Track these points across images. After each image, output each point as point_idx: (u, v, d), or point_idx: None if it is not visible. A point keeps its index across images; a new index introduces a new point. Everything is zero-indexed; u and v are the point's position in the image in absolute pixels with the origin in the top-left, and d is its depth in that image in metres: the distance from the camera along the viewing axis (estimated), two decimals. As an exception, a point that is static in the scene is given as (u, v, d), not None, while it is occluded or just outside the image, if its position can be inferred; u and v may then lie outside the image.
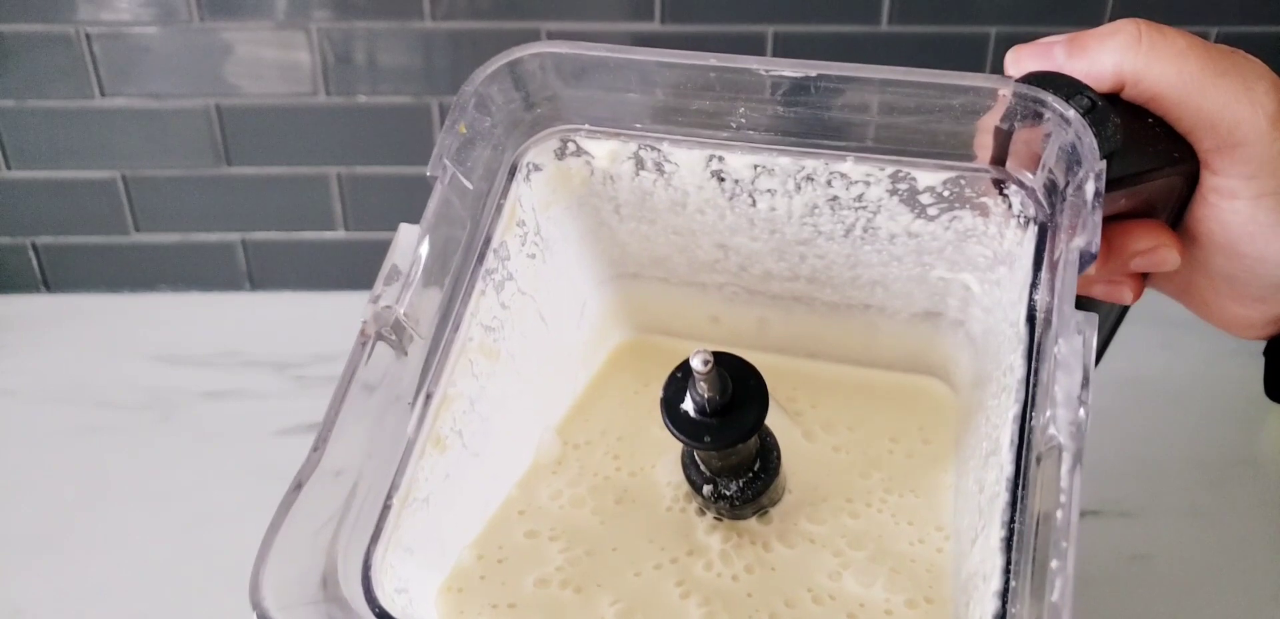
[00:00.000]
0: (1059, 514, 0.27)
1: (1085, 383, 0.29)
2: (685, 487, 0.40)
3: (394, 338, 0.34)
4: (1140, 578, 0.60)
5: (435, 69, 0.70)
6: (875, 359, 0.45)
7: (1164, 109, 0.36)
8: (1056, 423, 0.28)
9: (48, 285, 0.80)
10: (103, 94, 0.71)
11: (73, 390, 0.73)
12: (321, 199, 0.76)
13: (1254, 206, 0.36)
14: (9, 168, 0.74)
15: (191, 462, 0.68)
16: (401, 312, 0.34)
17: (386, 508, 0.34)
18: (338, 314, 0.77)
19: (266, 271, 0.80)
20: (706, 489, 0.38)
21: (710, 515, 0.39)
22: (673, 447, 0.40)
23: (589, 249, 0.44)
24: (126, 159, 0.74)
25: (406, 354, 0.35)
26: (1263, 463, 0.66)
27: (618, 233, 0.43)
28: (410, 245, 0.35)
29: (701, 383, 0.35)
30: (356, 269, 0.79)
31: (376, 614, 0.31)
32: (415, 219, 0.36)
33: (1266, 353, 0.42)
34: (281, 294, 0.80)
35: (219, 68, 0.70)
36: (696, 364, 0.34)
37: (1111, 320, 0.45)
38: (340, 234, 0.78)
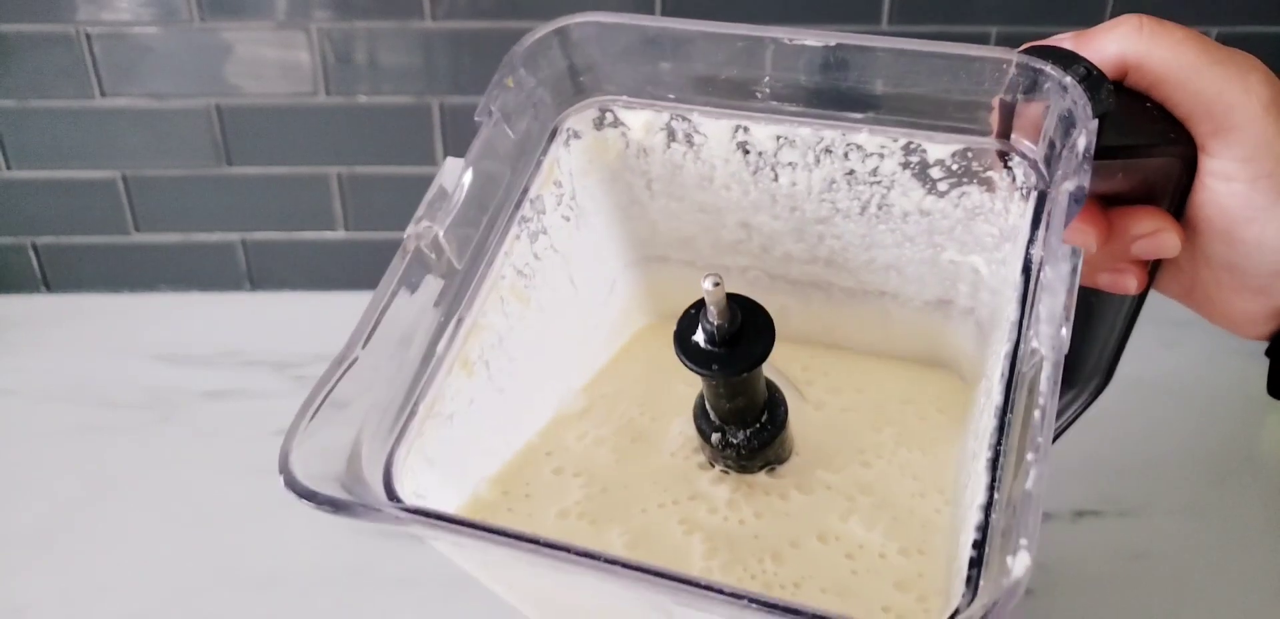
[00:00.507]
0: (1037, 415, 0.28)
1: (1069, 304, 0.30)
2: (695, 439, 0.40)
3: (433, 256, 0.36)
4: (1141, 577, 0.60)
5: (435, 69, 0.70)
6: (890, 351, 0.46)
7: (1163, 94, 0.37)
8: (1039, 337, 0.30)
9: (48, 285, 0.80)
10: (103, 94, 0.71)
11: (73, 390, 0.73)
12: (321, 199, 0.76)
13: (1251, 189, 0.37)
14: (9, 168, 0.74)
15: (191, 461, 0.68)
16: (441, 232, 0.36)
17: (412, 413, 0.35)
18: (338, 314, 0.76)
19: (266, 271, 0.80)
20: (714, 438, 0.39)
21: (718, 468, 0.40)
22: (692, 403, 0.41)
23: (620, 226, 0.45)
24: (127, 159, 0.74)
25: (443, 275, 0.36)
26: (1264, 462, 0.67)
27: (649, 210, 0.45)
28: (454, 173, 0.37)
29: (711, 308, 0.36)
30: (357, 269, 0.79)
31: (396, 503, 0.32)
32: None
33: (1269, 352, 0.42)
34: (281, 294, 0.80)
35: (219, 68, 0.70)
36: (707, 286, 0.35)
37: (1125, 319, 0.45)
38: (340, 234, 0.78)
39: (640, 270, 0.47)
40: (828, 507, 0.39)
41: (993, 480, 0.30)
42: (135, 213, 0.76)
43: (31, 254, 0.78)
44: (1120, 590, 0.59)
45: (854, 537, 0.38)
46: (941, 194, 0.39)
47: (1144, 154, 0.38)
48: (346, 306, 0.76)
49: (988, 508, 0.30)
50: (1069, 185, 0.32)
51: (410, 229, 0.35)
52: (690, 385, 0.37)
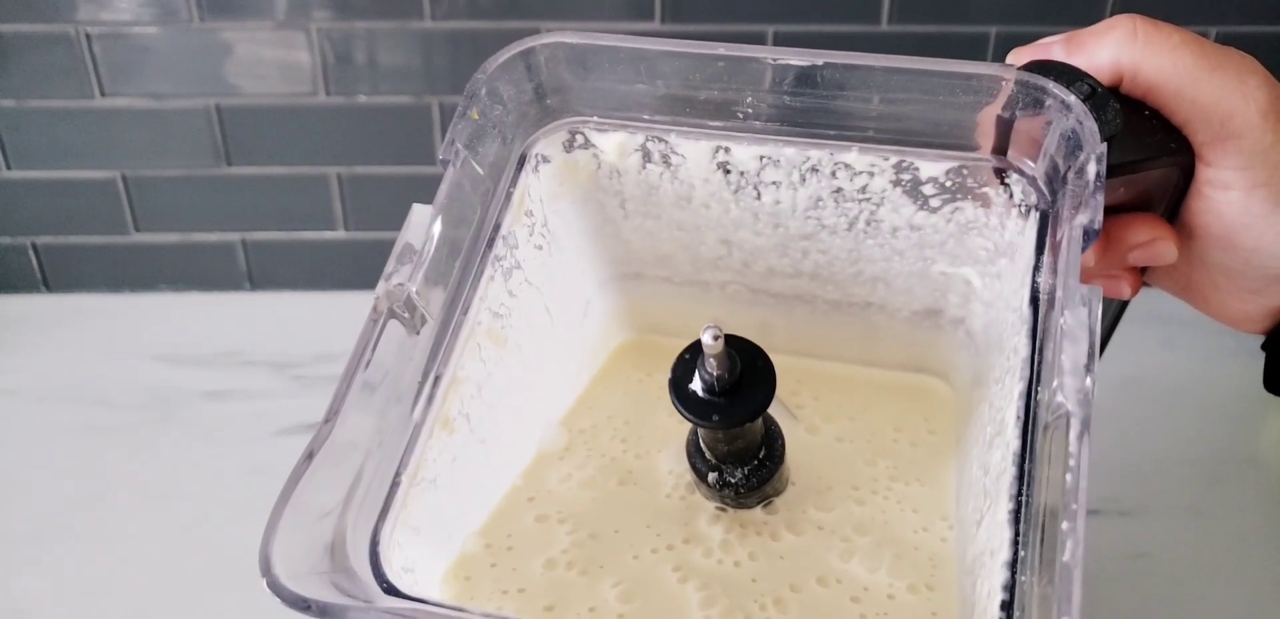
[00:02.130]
0: (1068, 478, 0.27)
1: (1092, 352, 0.29)
2: (686, 476, 0.40)
3: (406, 315, 0.34)
4: (1140, 576, 0.60)
5: (435, 69, 0.70)
6: (876, 361, 0.46)
7: (1160, 101, 0.37)
8: (1064, 391, 0.28)
9: (48, 285, 0.80)
10: (103, 94, 0.71)
11: (73, 390, 0.73)
12: (321, 199, 0.76)
13: (1248, 197, 0.37)
14: (9, 168, 0.74)
15: (191, 462, 0.68)
16: (414, 289, 0.34)
17: (395, 485, 0.34)
18: (338, 314, 0.76)
19: (266, 271, 0.80)
20: (712, 477, 0.38)
21: (714, 505, 0.39)
22: (676, 436, 0.40)
23: (594, 246, 0.44)
24: (126, 159, 0.74)
25: (418, 332, 0.35)
26: (1263, 461, 0.66)
27: (622, 230, 0.44)
28: (423, 224, 0.35)
29: (711, 359, 0.35)
30: (356, 269, 0.79)
31: (385, 589, 0.31)
32: (418, 217, 0.36)
33: (1265, 346, 0.42)
34: (281, 294, 0.80)
35: (219, 68, 0.70)
36: (707, 339, 0.34)
37: (1110, 317, 0.45)
38: (340, 234, 0.78)
39: (615, 288, 0.46)
40: (825, 547, 0.38)
41: (1016, 534, 0.30)
42: (135, 213, 0.76)
43: (31, 254, 0.78)
44: (1120, 590, 0.59)
45: (857, 578, 0.37)
46: (933, 210, 0.39)
47: (1146, 167, 0.37)
48: (346, 306, 0.77)
49: (1013, 565, 0.29)
50: (1083, 219, 0.31)
51: (380, 288, 0.34)
52: (673, 415, 0.36)
